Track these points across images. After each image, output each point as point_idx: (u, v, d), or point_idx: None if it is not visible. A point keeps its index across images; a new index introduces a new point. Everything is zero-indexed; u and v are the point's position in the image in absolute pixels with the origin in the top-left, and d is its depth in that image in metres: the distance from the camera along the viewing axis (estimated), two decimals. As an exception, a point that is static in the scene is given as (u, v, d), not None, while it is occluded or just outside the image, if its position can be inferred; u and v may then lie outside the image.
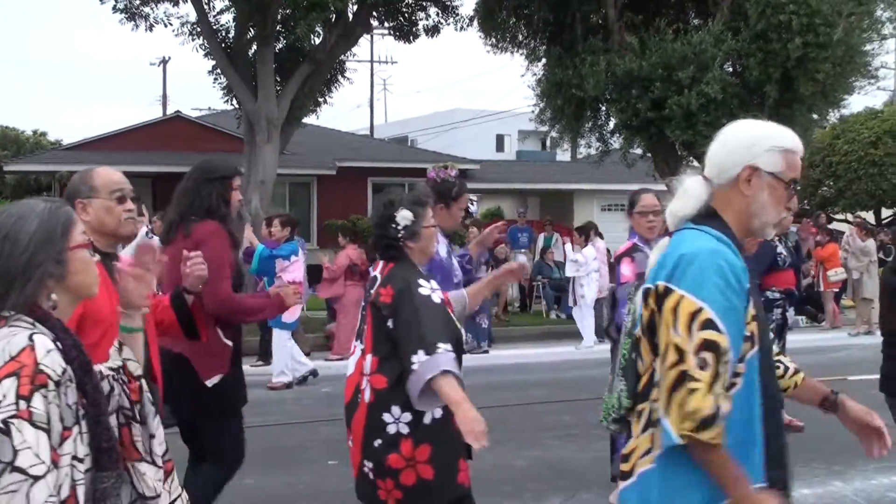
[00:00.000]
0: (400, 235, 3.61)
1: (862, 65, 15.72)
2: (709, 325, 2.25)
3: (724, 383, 2.25)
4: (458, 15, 17.88)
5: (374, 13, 17.62)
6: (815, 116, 16.76)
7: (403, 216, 3.60)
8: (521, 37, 17.69)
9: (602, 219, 24.69)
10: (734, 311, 2.30)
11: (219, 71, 17.40)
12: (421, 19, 17.98)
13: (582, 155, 19.09)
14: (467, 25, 17.90)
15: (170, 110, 36.01)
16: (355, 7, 16.80)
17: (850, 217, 22.02)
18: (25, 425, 2.00)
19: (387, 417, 3.43)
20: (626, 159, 17.04)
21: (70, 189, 3.29)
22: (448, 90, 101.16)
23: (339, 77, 19.00)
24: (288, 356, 10.29)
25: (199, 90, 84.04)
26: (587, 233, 14.52)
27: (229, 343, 4.33)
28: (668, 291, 2.32)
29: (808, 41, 14.03)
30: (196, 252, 3.86)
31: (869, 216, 23.96)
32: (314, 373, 10.55)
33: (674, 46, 14.67)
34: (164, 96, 41.53)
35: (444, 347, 3.35)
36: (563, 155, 35.89)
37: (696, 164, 17.68)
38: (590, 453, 7.11)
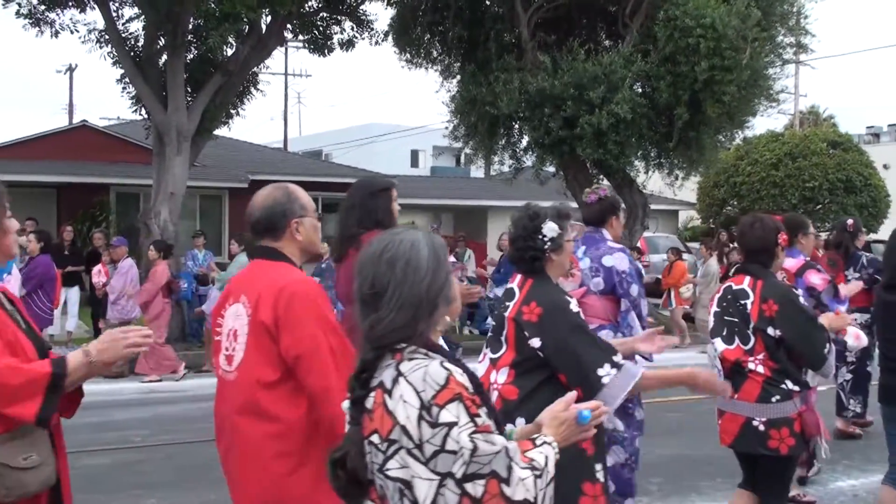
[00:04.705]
0: (546, 247, 3.61)
1: (765, 88, 16.18)
2: None
3: None
4: (372, 29, 17.85)
5: (289, 26, 17.45)
6: (721, 138, 17.20)
7: (550, 228, 3.61)
8: (435, 53, 17.73)
9: (515, 235, 24.84)
10: None
11: (127, 80, 16.98)
12: (336, 33, 17.89)
13: (495, 172, 19.17)
14: (382, 40, 17.88)
15: (76, 119, 35.10)
16: (269, 19, 16.60)
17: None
18: (487, 435, 2.15)
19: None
20: (538, 177, 17.21)
21: (276, 208, 3.23)
22: (363, 105, 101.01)
23: (252, 89, 18.75)
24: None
25: (107, 99, 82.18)
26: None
27: None
28: None
29: (715, 64, 14.35)
30: None
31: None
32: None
33: (585, 66, 14.89)
34: (71, 105, 40.46)
35: (618, 358, 3.45)
36: (477, 171, 36.07)
37: (605, 181, 17.98)
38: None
